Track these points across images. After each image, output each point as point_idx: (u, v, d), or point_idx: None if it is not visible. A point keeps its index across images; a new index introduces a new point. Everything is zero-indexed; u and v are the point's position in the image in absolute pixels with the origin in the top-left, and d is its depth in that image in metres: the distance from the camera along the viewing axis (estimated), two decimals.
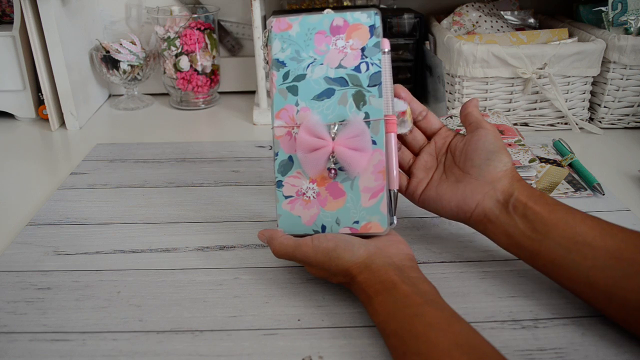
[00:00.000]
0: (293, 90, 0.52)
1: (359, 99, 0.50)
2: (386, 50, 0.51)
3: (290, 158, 0.52)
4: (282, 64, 0.52)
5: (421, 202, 0.55)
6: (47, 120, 0.95)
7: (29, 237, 0.61)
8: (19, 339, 0.46)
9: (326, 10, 0.52)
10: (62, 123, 0.96)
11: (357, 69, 0.51)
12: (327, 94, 0.51)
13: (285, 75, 0.52)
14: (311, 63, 0.51)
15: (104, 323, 0.48)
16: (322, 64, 0.51)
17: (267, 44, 0.53)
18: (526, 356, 0.44)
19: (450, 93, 0.91)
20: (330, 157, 0.50)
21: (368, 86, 0.50)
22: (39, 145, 0.90)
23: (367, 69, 0.51)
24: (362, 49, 0.51)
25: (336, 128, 0.50)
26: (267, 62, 0.53)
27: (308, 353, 0.44)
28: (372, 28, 0.51)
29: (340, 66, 0.51)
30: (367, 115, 0.50)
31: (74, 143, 0.90)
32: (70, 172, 0.77)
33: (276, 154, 0.52)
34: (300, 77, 0.52)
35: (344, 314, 0.49)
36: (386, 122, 0.50)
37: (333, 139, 0.49)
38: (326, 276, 0.50)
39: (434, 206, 0.54)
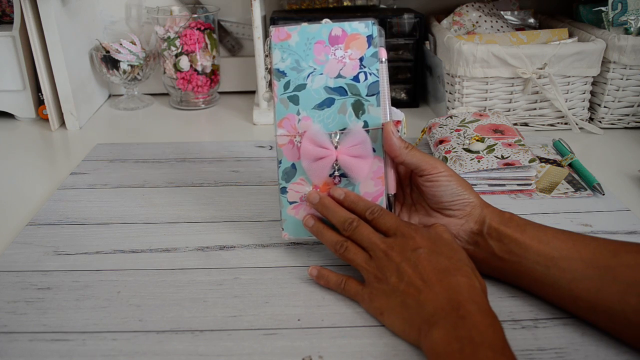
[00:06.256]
0: (294, 100, 0.53)
1: (358, 108, 0.52)
2: (383, 59, 0.52)
3: (294, 165, 0.54)
4: (283, 73, 0.53)
5: None
6: (47, 120, 0.95)
7: (29, 237, 0.61)
8: (19, 339, 0.46)
9: (324, 20, 0.53)
10: (62, 123, 0.96)
11: (356, 78, 0.52)
12: (327, 103, 0.53)
13: (286, 85, 0.53)
14: (311, 73, 0.53)
15: (103, 323, 0.48)
16: (321, 73, 0.53)
17: (268, 54, 0.54)
18: (526, 356, 0.44)
19: (450, 93, 0.91)
20: (334, 164, 0.52)
21: (367, 95, 0.52)
22: (39, 145, 0.90)
23: (366, 78, 0.52)
24: (361, 59, 0.52)
25: (338, 137, 0.52)
26: (269, 71, 0.54)
27: (308, 353, 0.44)
28: (369, 38, 0.52)
29: (339, 76, 0.53)
30: (366, 124, 0.52)
31: (74, 143, 0.90)
32: (70, 172, 0.77)
33: (279, 162, 0.54)
34: (301, 87, 0.53)
35: (344, 314, 0.49)
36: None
37: (336, 147, 0.52)
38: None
39: None
